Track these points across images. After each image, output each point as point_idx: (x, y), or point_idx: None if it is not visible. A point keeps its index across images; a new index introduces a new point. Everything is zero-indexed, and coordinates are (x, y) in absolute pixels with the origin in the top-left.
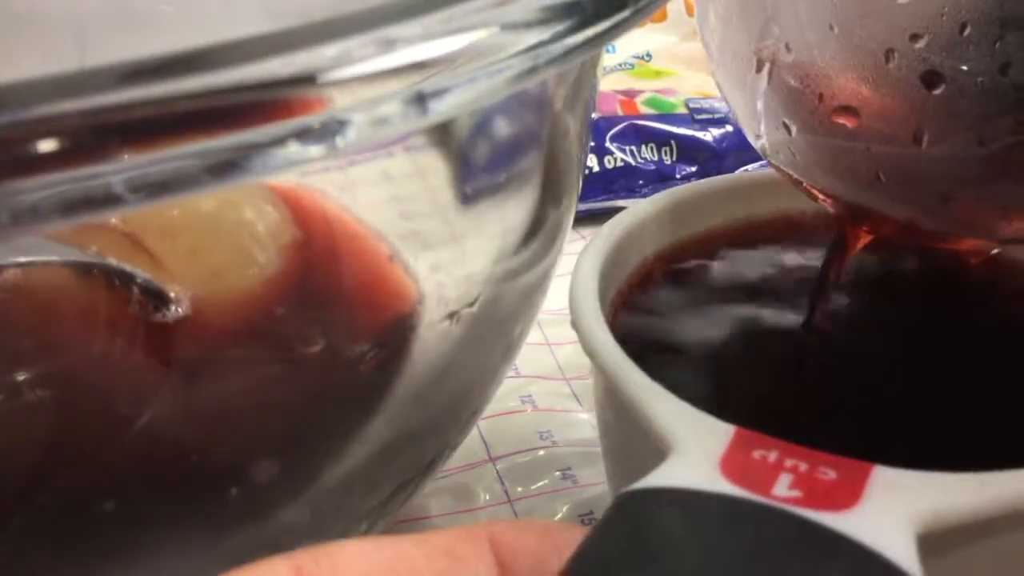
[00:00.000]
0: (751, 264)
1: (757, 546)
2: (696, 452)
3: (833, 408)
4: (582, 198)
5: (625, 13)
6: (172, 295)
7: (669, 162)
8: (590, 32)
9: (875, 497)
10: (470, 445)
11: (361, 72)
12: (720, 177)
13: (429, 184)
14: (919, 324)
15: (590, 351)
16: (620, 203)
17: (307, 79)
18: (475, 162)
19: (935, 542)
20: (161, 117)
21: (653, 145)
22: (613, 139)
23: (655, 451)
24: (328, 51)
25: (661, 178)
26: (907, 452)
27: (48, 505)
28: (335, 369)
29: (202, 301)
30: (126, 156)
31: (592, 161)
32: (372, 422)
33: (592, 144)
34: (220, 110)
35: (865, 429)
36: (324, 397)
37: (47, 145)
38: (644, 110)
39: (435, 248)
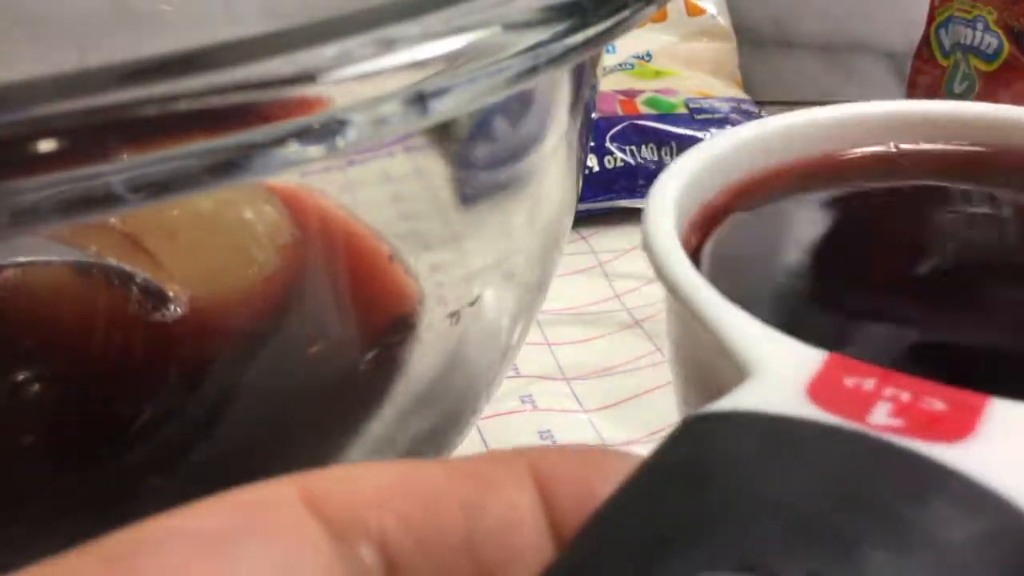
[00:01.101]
0: (836, 199)
1: (846, 474)
2: (779, 376)
3: (935, 345)
4: (582, 198)
5: (625, 13)
6: (171, 294)
7: (669, 162)
8: (590, 32)
9: (990, 431)
10: (470, 445)
11: (361, 72)
12: (803, 112)
13: (429, 184)
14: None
15: (664, 274)
16: (620, 203)
17: (307, 79)
18: (475, 162)
19: None
20: (161, 117)
21: (653, 145)
22: (613, 139)
23: (734, 382)
24: (328, 51)
25: None
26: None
27: (47, 505)
28: (335, 369)
29: (201, 301)
30: (126, 156)
31: (592, 161)
32: (371, 422)
33: (592, 144)
34: (220, 110)
35: (975, 365)
36: (323, 397)
37: (47, 145)
38: (644, 110)
39: (435, 248)
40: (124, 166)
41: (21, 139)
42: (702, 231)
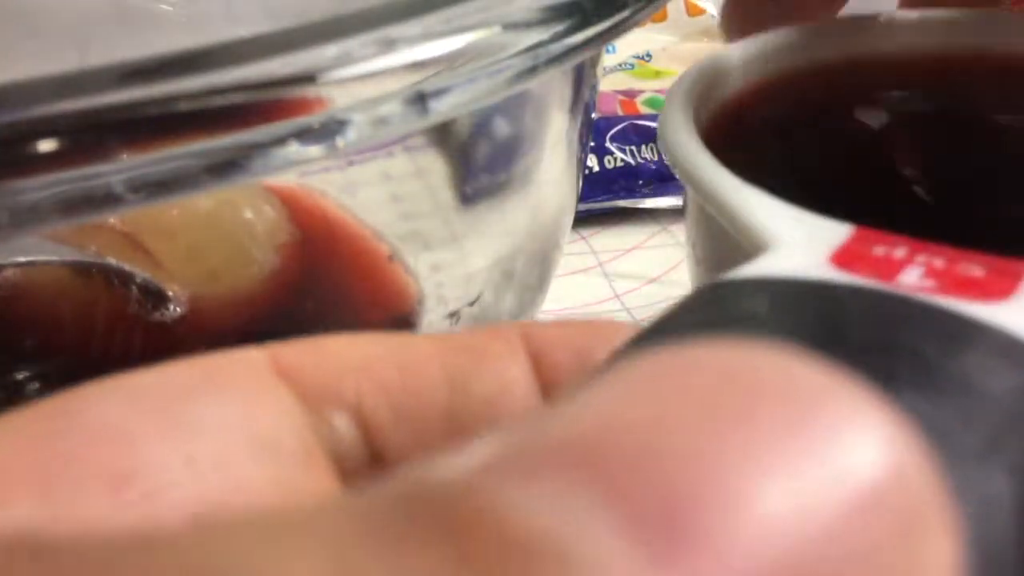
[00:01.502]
0: (849, 97)
1: (874, 328)
2: (800, 246)
3: (956, 232)
4: (582, 198)
5: (625, 13)
6: (171, 294)
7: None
8: (590, 32)
9: None
10: None
11: (361, 72)
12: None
13: (429, 184)
14: None
15: (681, 163)
16: (620, 203)
17: (307, 79)
18: (475, 162)
19: None
20: (161, 117)
21: (653, 145)
22: (613, 139)
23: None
24: (328, 51)
25: (661, 178)
26: None
27: None
28: None
29: (200, 300)
30: (126, 156)
31: (592, 161)
32: None
33: (592, 144)
34: (220, 110)
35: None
36: None
37: (47, 145)
38: (644, 110)
39: (435, 248)
40: (124, 166)
41: (21, 139)
42: (717, 130)
